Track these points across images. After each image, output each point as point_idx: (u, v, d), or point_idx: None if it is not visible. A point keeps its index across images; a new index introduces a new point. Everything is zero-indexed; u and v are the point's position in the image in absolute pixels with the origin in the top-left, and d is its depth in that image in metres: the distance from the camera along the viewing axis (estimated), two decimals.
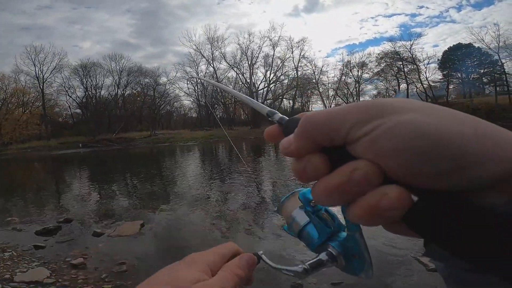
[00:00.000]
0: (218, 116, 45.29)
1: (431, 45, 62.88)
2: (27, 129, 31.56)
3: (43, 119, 33.84)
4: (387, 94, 37.97)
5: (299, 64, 40.60)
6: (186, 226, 5.81)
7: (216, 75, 40.98)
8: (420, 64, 32.87)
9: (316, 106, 46.18)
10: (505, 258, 0.16)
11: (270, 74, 41.19)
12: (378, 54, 37.20)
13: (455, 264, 0.22)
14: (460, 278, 0.22)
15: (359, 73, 38.86)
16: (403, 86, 36.52)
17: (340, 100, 42.25)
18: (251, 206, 6.71)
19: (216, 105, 43.73)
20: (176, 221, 6.11)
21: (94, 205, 8.03)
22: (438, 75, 34.47)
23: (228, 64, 41.18)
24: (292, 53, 40.54)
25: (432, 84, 33.60)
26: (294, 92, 41.94)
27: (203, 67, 42.10)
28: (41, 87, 33.38)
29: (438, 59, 34.11)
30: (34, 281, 3.35)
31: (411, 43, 32.67)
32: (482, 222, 0.17)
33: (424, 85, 32.45)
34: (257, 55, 40.76)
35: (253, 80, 41.22)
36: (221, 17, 76.89)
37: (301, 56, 40.43)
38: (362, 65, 38.26)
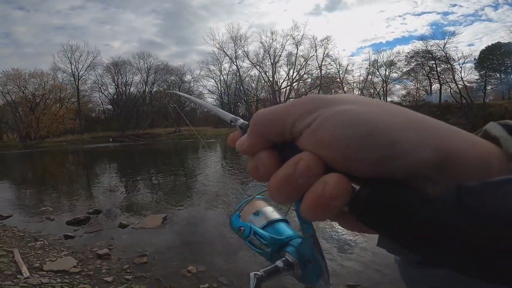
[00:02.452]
0: (241, 113, 45.50)
1: (466, 44, 58.97)
2: (63, 123, 33.40)
3: (77, 114, 35.55)
4: (418, 95, 36.13)
5: (323, 63, 39.87)
6: (206, 221, 5.84)
7: (239, 74, 41.15)
8: (454, 64, 30.85)
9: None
10: (446, 246, 0.16)
11: (293, 72, 40.80)
12: (408, 53, 35.45)
13: (407, 256, 0.22)
14: (410, 273, 0.23)
15: (387, 72, 37.32)
16: (435, 86, 34.55)
17: None
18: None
19: (238, 103, 43.95)
20: (196, 216, 6.16)
21: (121, 197, 8.33)
22: (475, 75, 32.08)
23: (251, 62, 41.23)
24: (315, 51, 39.83)
25: (468, 85, 31.34)
26: (317, 91, 41.18)
27: (226, 65, 42.53)
28: (77, 83, 35.00)
29: (474, 59, 31.77)
30: (62, 270, 3.49)
31: (445, 41, 30.64)
32: (422, 211, 0.17)
33: (459, 86, 30.43)
34: (280, 53, 40.53)
35: (275, 78, 40.96)
36: (242, 17, 76.95)
37: (325, 55, 39.62)
38: (390, 64, 36.63)
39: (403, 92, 38.63)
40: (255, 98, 42.49)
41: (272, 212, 0.35)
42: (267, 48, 40.25)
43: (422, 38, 33.58)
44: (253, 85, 43.23)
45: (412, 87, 37.30)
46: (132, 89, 39.50)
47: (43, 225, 5.69)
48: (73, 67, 34.72)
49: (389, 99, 38.53)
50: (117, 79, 37.64)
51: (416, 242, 0.17)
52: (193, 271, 3.68)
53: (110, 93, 38.81)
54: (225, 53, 41.30)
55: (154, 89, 41.05)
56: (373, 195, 0.18)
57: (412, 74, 35.53)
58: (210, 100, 48.55)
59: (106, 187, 9.94)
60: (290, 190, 0.20)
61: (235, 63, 41.51)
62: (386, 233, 0.18)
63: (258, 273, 0.29)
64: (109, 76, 37.70)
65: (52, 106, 34.27)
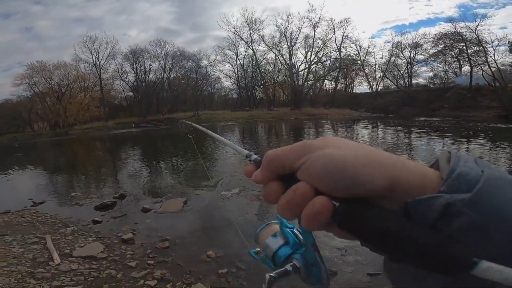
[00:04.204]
0: (258, 97, 44.92)
1: (498, 27, 55.93)
2: (88, 111, 34.75)
3: (101, 102, 36.74)
4: (446, 77, 33.79)
5: (342, 45, 37.86)
6: (225, 205, 5.88)
7: (255, 57, 40.14)
8: (487, 46, 28.33)
9: (361, 87, 43.13)
10: (397, 244, 0.23)
11: (311, 55, 39.15)
12: (436, 34, 32.83)
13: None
14: (390, 267, 0.29)
15: (412, 54, 34.96)
16: (465, 68, 31.97)
17: (389, 82, 38.70)
18: None
19: (256, 86, 43.29)
20: (215, 200, 6.22)
21: (144, 181, 8.53)
22: (509, 58, 29.38)
23: (267, 46, 39.94)
24: (334, 33, 37.81)
25: (502, 68, 28.87)
26: (336, 74, 39.53)
27: (242, 49, 41.55)
28: (99, 73, 35.90)
29: (509, 41, 28.98)
30: (90, 256, 3.63)
31: (477, 24, 28.16)
32: (378, 220, 0.24)
33: (492, 68, 28.10)
34: (296, 36, 38.71)
35: (293, 61, 39.59)
36: (255, 0, 75.18)
37: (344, 37, 37.57)
38: (416, 46, 34.16)
39: (430, 74, 36.16)
40: (272, 81, 41.53)
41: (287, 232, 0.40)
42: (283, 31, 38.68)
43: (450, 20, 31.12)
44: (270, 69, 42.22)
45: (440, 69, 34.79)
46: (151, 76, 40.03)
47: (73, 211, 5.95)
48: (93, 57, 35.60)
49: (414, 81, 36.55)
50: (136, 67, 38.29)
51: (377, 243, 0.25)
52: (212, 256, 3.73)
53: (130, 81, 39.77)
54: (241, 37, 40.27)
55: (172, 75, 41.43)
56: (346, 210, 0.26)
57: (440, 56, 33.08)
58: (227, 84, 48.35)
59: (130, 172, 10.24)
60: (292, 209, 0.28)
61: (251, 47, 40.38)
62: (357, 236, 0.26)
63: (272, 274, 0.35)
64: (129, 64, 38.41)
65: (77, 95, 35.65)
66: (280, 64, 40.46)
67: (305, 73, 39.30)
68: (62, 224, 4.98)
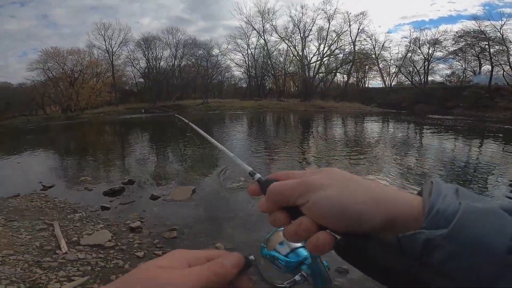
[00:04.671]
0: (268, 87, 44.37)
1: None
2: (100, 96, 35.28)
3: (113, 88, 37.20)
4: (464, 75, 32.63)
5: (357, 39, 36.69)
6: (233, 195, 5.71)
7: (267, 47, 39.41)
8: (511, 46, 27.26)
9: (374, 82, 42.05)
10: (392, 280, 0.27)
11: (324, 47, 38.17)
12: (457, 32, 31.67)
13: None
14: None
15: (430, 51, 33.70)
16: (485, 67, 30.74)
17: (403, 77, 37.57)
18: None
19: (266, 77, 42.72)
20: (223, 189, 6.07)
21: (152, 167, 8.45)
22: None
23: (280, 36, 39.16)
24: (349, 27, 36.63)
25: None
26: (349, 67, 38.48)
27: (253, 39, 40.84)
28: (111, 59, 36.26)
29: None
30: (97, 244, 3.55)
31: (502, 23, 27.01)
32: (376, 255, 0.28)
33: None
34: (310, 28, 37.75)
35: (305, 53, 38.66)
36: None
37: (359, 30, 36.35)
38: (435, 42, 32.90)
39: (448, 71, 34.86)
40: (283, 72, 40.82)
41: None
42: (296, 22, 37.74)
43: (474, 18, 29.84)
44: (281, 59, 41.44)
45: (458, 67, 33.53)
46: (162, 63, 39.99)
47: (82, 196, 5.89)
48: (106, 43, 36.00)
49: (430, 78, 35.42)
50: (148, 54, 38.46)
51: (373, 274, 0.29)
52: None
53: (141, 67, 39.96)
54: (253, 27, 39.59)
55: (183, 63, 41.32)
56: (347, 243, 0.30)
57: (460, 54, 31.84)
58: (237, 73, 47.86)
59: (138, 157, 10.19)
60: (297, 238, 0.32)
61: (262, 37, 39.69)
62: (356, 266, 0.30)
63: (284, 284, 0.39)
64: (140, 51, 38.57)
65: (89, 80, 36.30)
66: (291, 55, 39.71)
67: (317, 66, 38.48)
68: (70, 209, 4.91)
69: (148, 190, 6.16)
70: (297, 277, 0.40)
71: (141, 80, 41.99)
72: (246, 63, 42.33)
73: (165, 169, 8.15)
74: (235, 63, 43.51)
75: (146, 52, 38.23)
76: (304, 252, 0.43)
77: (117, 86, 38.45)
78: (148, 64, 38.89)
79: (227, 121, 22.59)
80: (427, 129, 15.66)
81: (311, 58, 38.83)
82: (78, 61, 34.93)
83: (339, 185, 0.31)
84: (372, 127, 17.14)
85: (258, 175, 0.39)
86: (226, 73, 46.32)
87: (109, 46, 35.92)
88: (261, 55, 40.84)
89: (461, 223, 0.25)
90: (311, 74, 37.77)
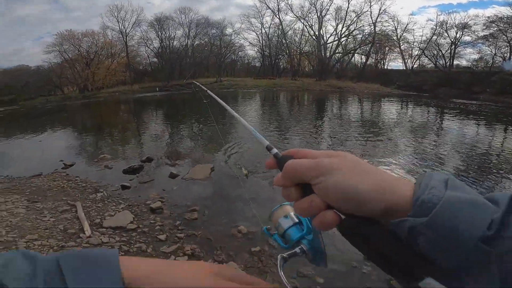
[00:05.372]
0: (282, 66, 43.08)
1: None
2: (115, 76, 35.68)
3: (127, 67, 37.60)
4: (493, 61, 30.37)
5: (378, 20, 34.18)
6: (254, 173, 5.50)
7: (282, 27, 37.69)
8: None
9: (395, 64, 39.79)
10: (396, 262, 0.30)
11: (342, 27, 35.99)
12: (489, 17, 28.98)
13: None
14: None
15: (458, 35, 31.21)
16: None
17: (426, 60, 35.24)
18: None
19: (280, 56, 41.36)
20: (243, 167, 5.80)
21: (170, 145, 8.32)
22: None
23: (295, 15, 37.20)
24: (370, 7, 34.10)
25: None
26: (368, 48, 36.36)
27: (268, 18, 39.23)
28: (125, 40, 36.46)
29: None
30: (119, 227, 3.46)
31: None
32: (375, 234, 0.31)
33: None
34: (327, 7, 35.53)
35: (321, 32, 36.65)
36: None
37: (381, 11, 33.80)
38: (464, 26, 30.33)
39: (475, 56, 32.42)
40: (298, 51, 39.23)
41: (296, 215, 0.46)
42: (313, 1, 35.52)
43: (510, 4, 26.94)
44: (296, 39, 39.61)
45: (488, 52, 31.05)
46: (175, 43, 39.55)
47: (102, 174, 5.85)
48: (120, 25, 36.01)
49: (455, 62, 33.14)
50: (161, 34, 38.24)
51: (368, 250, 0.32)
52: (243, 231, 3.46)
53: (155, 47, 39.82)
54: (267, 6, 37.75)
55: (196, 42, 40.59)
56: (350, 223, 0.33)
57: (490, 39, 29.41)
58: (251, 53, 46.51)
59: (156, 134, 10.09)
60: (307, 214, 0.35)
61: (277, 16, 37.94)
62: (355, 245, 0.33)
63: (284, 255, 0.42)
64: (153, 32, 38.34)
65: (104, 61, 36.61)
66: (307, 35, 37.87)
67: (334, 46, 36.58)
68: (92, 189, 4.85)
69: (166, 168, 6.05)
70: (297, 250, 0.42)
71: (155, 59, 41.92)
72: (260, 42, 41.04)
73: (182, 147, 8.00)
74: (249, 42, 42.57)
75: (159, 32, 38.03)
76: (305, 228, 0.44)
77: (132, 66, 38.77)
78: (162, 44, 38.67)
79: (241, 98, 22.17)
80: (449, 113, 14.64)
81: (328, 38, 36.86)
82: (93, 42, 35.27)
83: (349, 171, 0.34)
84: (390, 109, 16.26)
85: (275, 150, 0.42)
86: (240, 52, 45.30)
87: (122, 27, 36.03)
88: (276, 34, 39.32)
89: (440, 212, 0.28)
90: (328, 54, 36.07)
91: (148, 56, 41.50)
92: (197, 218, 3.84)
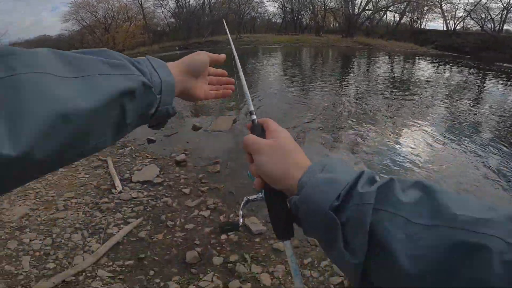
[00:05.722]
0: (305, 22, 39.94)
1: None
2: (134, 38, 35.50)
3: (145, 29, 37.11)
4: None
5: None
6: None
7: None
8: None
9: (434, 24, 34.86)
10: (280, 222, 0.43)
11: None
12: None
13: None
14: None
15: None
16: None
17: (472, 23, 30.65)
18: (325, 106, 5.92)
19: (302, 12, 38.11)
20: (265, 117, 5.82)
21: None
22: None
23: None
24: None
25: None
26: (403, 6, 31.93)
27: None
28: (140, 2, 35.42)
29: None
30: (147, 181, 3.59)
31: None
32: (283, 204, 0.43)
33: None
34: None
35: None
36: None
37: None
38: None
39: None
40: (323, 7, 35.69)
41: None
42: None
43: None
44: None
45: None
46: (191, 1, 37.83)
47: None
48: None
49: (505, 27, 28.53)
50: None
51: (271, 213, 0.44)
52: None
53: (171, 8, 38.54)
54: None
55: (213, 0, 38.46)
56: (265, 191, 0.44)
57: None
58: (271, 9, 43.11)
59: None
60: (253, 174, 0.45)
61: None
62: (268, 207, 0.45)
63: (249, 198, 0.75)
64: None
65: (122, 24, 36.17)
66: None
67: (363, 2, 32.54)
68: (120, 144, 5.02)
69: (189, 121, 6.11)
70: (258, 196, 0.66)
71: (172, 20, 40.75)
72: None
73: (203, 100, 7.95)
74: None
75: None
76: None
77: (149, 27, 38.19)
78: (178, 3, 37.29)
79: (261, 54, 21.25)
80: (492, 76, 12.85)
81: None
82: (108, 7, 34.80)
83: (271, 154, 0.42)
84: (425, 68, 14.60)
85: (254, 117, 0.51)
86: (259, 9, 42.41)
87: None
88: None
89: (306, 190, 0.36)
90: (356, 11, 32.43)
91: (165, 17, 40.32)
92: (219, 171, 3.89)
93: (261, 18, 46.72)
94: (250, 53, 22.24)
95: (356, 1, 32.41)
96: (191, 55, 0.55)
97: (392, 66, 15.66)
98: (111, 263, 2.35)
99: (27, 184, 3.46)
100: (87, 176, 3.78)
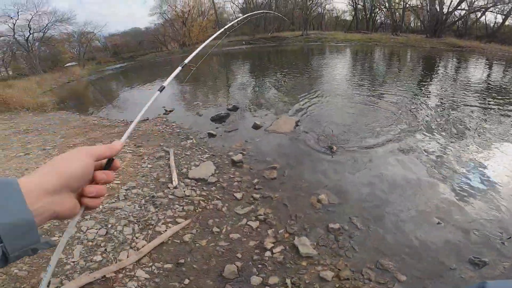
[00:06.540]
0: (378, 20, 36.36)
1: None
2: (206, 32, 38.06)
3: (216, 24, 39.31)
4: None
5: None
6: (339, 129, 4.88)
7: None
8: None
9: None
10: None
11: None
12: None
13: None
14: None
15: None
16: None
17: None
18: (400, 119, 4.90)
19: (376, 9, 34.67)
20: (330, 122, 5.24)
21: (256, 95, 8.12)
22: None
23: None
24: None
25: None
26: (509, 8, 25.89)
27: None
28: None
29: None
30: (201, 179, 3.52)
31: None
32: None
33: None
34: None
35: None
36: None
37: None
38: None
39: None
40: (402, 4, 31.73)
41: None
42: None
43: None
44: None
45: None
46: None
47: (194, 121, 6.16)
48: None
49: None
50: None
51: None
52: (324, 202, 3.05)
53: (239, 3, 40.06)
54: None
55: None
56: None
57: None
58: (340, 6, 40.34)
59: (242, 84, 10.10)
60: None
61: None
62: None
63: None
64: None
65: (196, 19, 39.10)
66: None
67: (454, 1, 27.53)
68: (184, 135, 5.15)
69: (250, 118, 5.97)
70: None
71: (240, 15, 42.20)
72: None
73: (267, 97, 7.67)
74: None
75: None
76: None
77: (220, 22, 40.30)
78: None
79: (328, 52, 20.04)
80: None
81: None
82: (185, 2, 37.83)
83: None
84: None
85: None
86: (327, 5, 40.36)
87: None
88: None
89: None
90: (444, 10, 27.76)
91: (233, 12, 41.98)
92: (276, 177, 3.58)
93: (329, 15, 44.40)
94: (315, 50, 21.23)
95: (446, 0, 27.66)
96: (67, 160, 0.42)
97: (489, 72, 12.88)
98: (151, 264, 2.29)
99: None
100: (150, 166, 3.89)
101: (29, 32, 23.20)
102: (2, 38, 22.53)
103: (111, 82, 17.91)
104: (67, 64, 26.27)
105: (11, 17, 21.75)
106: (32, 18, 22.85)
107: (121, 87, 14.82)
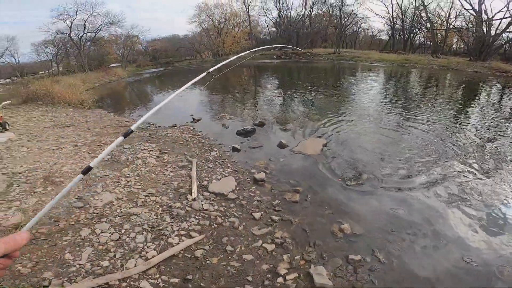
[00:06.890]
0: (417, 41, 35.02)
1: None
2: (240, 43, 39.21)
3: (249, 36, 40.50)
4: None
5: None
6: (368, 156, 4.61)
7: None
8: None
9: None
10: None
11: None
12: None
13: None
14: None
15: None
16: None
17: None
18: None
19: (416, 29, 33.49)
20: (359, 148, 4.99)
21: (284, 112, 7.98)
22: None
23: None
24: None
25: None
26: None
27: None
28: (247, 10, 38.91)
29: None
30: (221, 194, 3.45)
31: None
32: None
33: None
34: None
35: (483, 7, 26.09)
36: None
37: None
38: None
39: None
40: (445, 26, 30.24)
41: None
42: None
43: None
44: (442, 13, 30.16)
45: None
46: (292, 13, 39.54)
47: (219, 132, 6.17)
48: None
49: None
50: (279, 4, 38.77)
51: None
52: (347, 231, 2.84)
53: (273, 17, 41.08)
54: None
55: (314, 13, 38.70)
56: None
57: None
58: (377, 25, 39.78)
59: (270, 99, 10.02)
60: None
61: None
62: None
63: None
64: (272, 2, 39.87)
65: (231, 30, 40.17)
66: (459, 8, 28.10)
67: (503, 23, 25.70)
68: (208, 147, 5.15)
69: (277, 136, 5.85)
70: None
71: (273, 29, 43.21)
72: (389, 13, 34.26)
73: (296, 115, 7.49)
74: (375, 13, 36.67)
75: (277, 2, 38.53)
76: None
77: (253, 34, 41.32)
78: (279, 13, 39.26)
79: (360, 72, 19.53)
80: None
81: (494, 14, 26.13)
82: (222, 13, 39.30)
83: None
84: None
85: None
86: (363, 24, 39.84)
87: None
88: (411, 5, 31.30)
89: None
90: (492, 32, 25.99)
91: (267, 25, 43.26)
92: (298, 201, 3.41)
93: (364, 34, 43.73)
94: (348, 69, 20.83)
95: (494, 22, 25.89)
96: None
97: None
98: (157, 276, 2.22)
99: (124, 170, 3.82)
100: (172, 174, 3.90)
101: (83, 32, 25.25)
102: (59, 35, 24.71)
103: (146, 86, 18.89)
104: (111, 65, 28.18)
105: (70, 16, 23.79)
106: (87, 18, 24.90)
107: (155, 91, 15.53)
